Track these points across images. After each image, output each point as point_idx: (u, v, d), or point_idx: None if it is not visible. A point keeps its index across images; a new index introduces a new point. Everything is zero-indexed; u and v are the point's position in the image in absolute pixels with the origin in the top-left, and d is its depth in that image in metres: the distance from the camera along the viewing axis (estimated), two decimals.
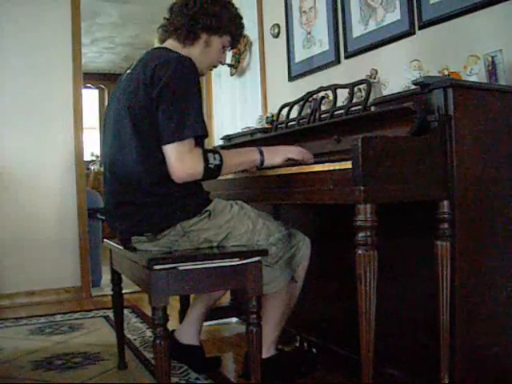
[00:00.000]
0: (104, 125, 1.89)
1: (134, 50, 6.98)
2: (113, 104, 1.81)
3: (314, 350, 2.08)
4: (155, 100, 1.61)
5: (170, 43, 1.84)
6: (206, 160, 1.64)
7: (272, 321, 1.87)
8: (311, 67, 3.17)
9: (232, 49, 1.97)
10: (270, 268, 1.77)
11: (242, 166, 1.80)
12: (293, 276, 1.85)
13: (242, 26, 1.92)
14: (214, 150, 1.72)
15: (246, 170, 2.02)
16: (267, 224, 1.81)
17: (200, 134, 1.64)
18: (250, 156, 1.79)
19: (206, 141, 1.81)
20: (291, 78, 3.38)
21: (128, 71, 1.80)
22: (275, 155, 1.80)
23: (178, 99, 1.61)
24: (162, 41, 1.88)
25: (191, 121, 1.61)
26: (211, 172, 1.67)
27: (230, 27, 1.86)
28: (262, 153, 1.78)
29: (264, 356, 1.77)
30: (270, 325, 1.85)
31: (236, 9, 1.90)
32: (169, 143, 1.60)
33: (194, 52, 1.81)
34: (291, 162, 1.79)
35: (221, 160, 1.68)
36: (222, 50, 1.90)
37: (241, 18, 1.91)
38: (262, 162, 1.78)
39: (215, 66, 1.95)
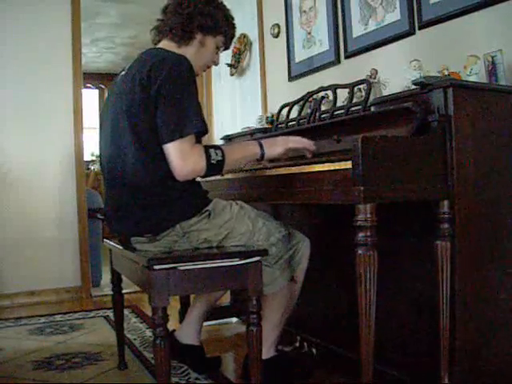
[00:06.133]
0: (100, 127, 1.87)
1: (134, 50, 6.96)
2: (109, 106, 1.80)
3: (314, 350, 2.08)
4: (153, 99, 1.60)
5: (165, 44, 1.84)
6: (208, 156, 1.64)
7: (272, 321, 1.87)
8: (311, 67, 3.17)
9: (225, 49, 1.97)
10: (269, 268, 1.77)
11: (243, 160, 1.80)
12: (292, 276, 1.85)
13: (234, 27, 1.93)
14: (216, 146, 1.71)
15: (246, 170, 2.02)
16: (267, 224, 1.81)
17: (201, 130, 1.64)
18: (251, 150, 1.79)
19: (206, 141, 1.81)
20: (291, 78, 3.38)
21: (123, 73, 1.79)
22: (275, 146, 1.80)
23: (177, 97, 1.60)
24: (157, 42, 1.88)
25: (191, 117, 1.60)
26: (213, 168, 1.66)
27: (224, 27, 1.87)
28: (261, 146, 1.78)
29: (264, 357, 1.76)
30: (269, 325, 1.85)
31: (228, 10, 1.91)
32: (170, 141, 1.59)
33: (189, 52, 1.80)
34: (294, 158, 1.79)
35: (223, 155, 1.67)
36: (216, 50, 1.90)
37: (233, 18, 1.93)
38: (263, 155, 1.78)
39: (209, 67, 1.96)
